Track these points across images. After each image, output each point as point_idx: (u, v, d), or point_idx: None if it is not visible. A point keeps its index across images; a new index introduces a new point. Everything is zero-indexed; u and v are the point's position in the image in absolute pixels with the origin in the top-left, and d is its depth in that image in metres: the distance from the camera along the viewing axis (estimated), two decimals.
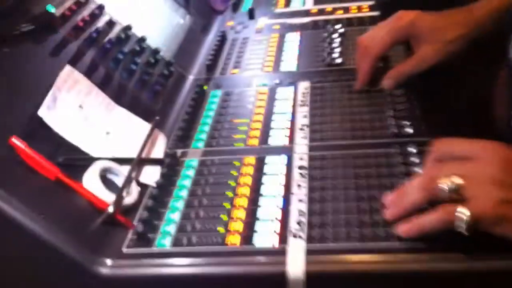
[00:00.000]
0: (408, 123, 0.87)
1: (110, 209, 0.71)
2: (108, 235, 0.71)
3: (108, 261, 0.68)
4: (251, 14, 1.40)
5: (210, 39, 1.31)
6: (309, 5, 1.45)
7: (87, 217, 0.71)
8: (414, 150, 0.80)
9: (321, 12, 1.38)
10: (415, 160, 0.78)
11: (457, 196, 0.62)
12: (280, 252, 0.67)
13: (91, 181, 0.74)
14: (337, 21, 1.29)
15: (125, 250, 0.70)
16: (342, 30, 1.23)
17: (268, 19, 1.38)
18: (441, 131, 0.71)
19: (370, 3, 1.38)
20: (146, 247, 0.70)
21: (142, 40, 1.08)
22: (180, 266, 0.68)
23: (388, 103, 0.93)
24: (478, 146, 0.65)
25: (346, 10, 1.36)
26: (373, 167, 0.79)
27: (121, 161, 0.81)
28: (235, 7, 1.48)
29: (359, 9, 1.35)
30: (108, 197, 0.73)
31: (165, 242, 0.71)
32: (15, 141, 0.70)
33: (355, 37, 1.17)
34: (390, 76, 0.97)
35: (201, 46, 1.28)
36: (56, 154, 0.75)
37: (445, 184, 0.63)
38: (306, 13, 1.39)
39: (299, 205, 0.74)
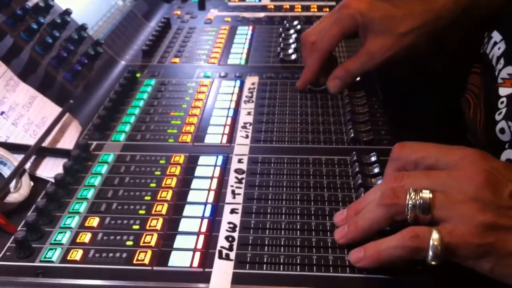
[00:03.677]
0: (367, 128, 0.74)
1: None
2: None
3: None
4: (201, 5, 1.28)
5: (152, 26, 1.16)
6: (266, 0, 1.33)
7: None
8: (375, 159, 0.67)
9: (278, 8, 1.28)
10: (375, 170, 0.65)
11: (425, 216, 0.49)
12: (200, 277, 0.52)
13: None
14: (295, 18, 1.17)
15: None
16: (299, 27, 1.11)
17: (219, 11, 1.26)
18: (405, 139, 0.58)
19: (332, 3, 1.27)
20: (26, 260, 0.54)
21: (66, 13, 0.92)
22: None
23: (346, 106, 0.80)
24: (453, 152, 0.52)
25: (306, 8, 1.27)
26: (324, 176, 0.66)
27: (13, 147, 0.65)
28: None
29: (320, 8, 1.25)
30: None
31: (52, 256, 0.55)
32: None
33: None
34: (336, 75, 0.83)
35: (140, 32, 1.12)
36: None
37: (410, 199, 0.50)
38: (262, 8, 1.28)
39: (231, 217, 0.60)
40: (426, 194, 0.49)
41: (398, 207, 0.50)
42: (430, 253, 0.47)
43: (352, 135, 0.73)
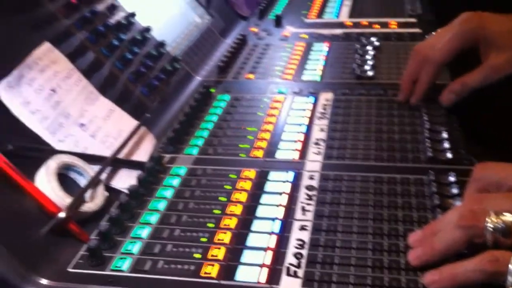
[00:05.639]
0: (447, 147, 0.71)
1: (62, 215, 0.57)
2: (55, 248, 0.57)
3: (44, 282, 0.53)
4: (278, 22, 1.28)
5: (228, 43, 1.17)
6: (344, 17, 1.32)
7: (32, 222, 0.57)
8: (453, 179, 0.64)
9: (356, 25, 1.25)
10: (454, 191, 0.62)
11: (506, 240, 0.47)
12: None
13: (44, 178, 0.59)
14: (373, 34, 1.14)
15: (70, 269, 0.55)
16: (377, 43, 1.08)
17: (295, 28, 1.26)
18: (487, 159, 0.55)
19: (412, 20, 1.24)
20: (97, 268, 0.55)
21: (146, 30, 0.94)
22: None
23: (424, 123, 0.77)
24: None
25: (384, 25, 1.23)
26: (400, 195, 0.64)
27: (90, 158, 0.67)
28: (262, 13, 1.35)
29: (399, 25, 1.22)
30: (63, 200, 0.59)
31: (123, 265, 0.55)
32: None
33: (392, 51, 1.05)
34: (452, 89, 0.81)
35: (217, 49, 1.14)
36: (8, 141, 0.60)
37: (491, 222, 0.47)
38: (339, 25, 1.27)
39: (300, 234, 0.58)
40: (508, 217, 0.47)
41: (477, 229, 0.48)
42: (510, 278, 0.45)
43: (429, 153, 0.70)
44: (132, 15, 0.94)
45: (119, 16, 0.92)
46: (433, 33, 0.87)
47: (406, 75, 0.85)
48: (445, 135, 0.74)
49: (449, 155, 0.70)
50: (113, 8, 0.92)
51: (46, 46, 0.73)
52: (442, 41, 0.80)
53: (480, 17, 0.78)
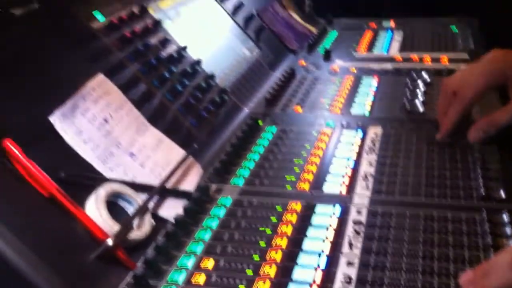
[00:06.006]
0: (500, 184, 0.69)
1: (110, 242, 0.57)
2: (102, 274, 0.57)
3: None
4: (327, 56, 1.29)
5: (277, 76, 1.18)
6: (394, 52, 1.31)
7: (80, 248, 0.57)
8: (507, 219, 0.61)
9: (406, 60, 1.24)
10: (507, 231, 0.59)
11: None
12: None
13: (94, 205, 0.60)
14: (423, 69, 1.13)
15: None
16: (428, 80, 1.07)
17: (344, 62, 1.26)
18: None
19: (464, 55, 1.22)
20: None
21: (196, 63, 0.96)
22: None
23: (476, 160, 0.75)
24: None
25: (436, 60, 1.22)
26: (450, 234, 0.62)
27: (139, 187, 0.67)
28: (311, 47, 1.36)
29: (451, 60, 1.21)
30: (111, 227, 0.60)
31: None
32: (9, 144, 0.58)
33: None
34: (479, 127, 0.79)
35: (265, 82, 1.15)
36: (60, 169, 0.62)
37: None
38: (389, 59, 1.26)
39: (347, 270, 0.57)
40: None
41: None
42: None
43: (482, 191, 0.68)
44: (184, 48, 0.96)
45: (171, 49, 0.95)
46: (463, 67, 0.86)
47: (439, 110, 0.85)
48: (498, 173, 0.71)
49: (502, 193, 0.67)
50: (165, 41, 0.95)
51: (100, 77, 0.75)
52: (471, 79, 0.79)
53: (508, 55, 0.77)
